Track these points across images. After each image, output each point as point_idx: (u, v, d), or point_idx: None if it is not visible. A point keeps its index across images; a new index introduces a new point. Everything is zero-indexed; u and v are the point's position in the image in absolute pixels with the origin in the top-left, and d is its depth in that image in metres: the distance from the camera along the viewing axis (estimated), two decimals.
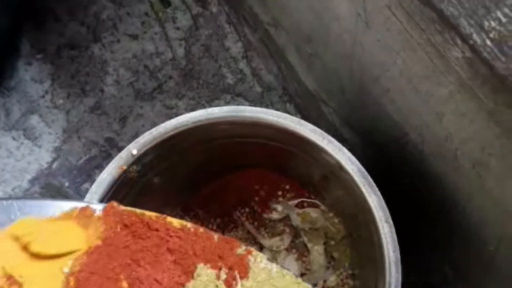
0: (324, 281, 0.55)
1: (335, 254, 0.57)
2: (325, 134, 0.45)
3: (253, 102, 0.76)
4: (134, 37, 0.79)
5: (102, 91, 0.76)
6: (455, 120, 0.38)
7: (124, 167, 0.44)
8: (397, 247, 0.42)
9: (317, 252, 0.55)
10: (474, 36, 0.30)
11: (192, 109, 0.77)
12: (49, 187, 0.74)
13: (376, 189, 0.43)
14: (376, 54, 0.43)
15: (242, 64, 0.77)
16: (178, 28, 0.79)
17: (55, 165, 0.74)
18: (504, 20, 0.29)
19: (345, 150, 0.44)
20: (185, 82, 0.77)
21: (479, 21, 0.30)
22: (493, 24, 0.29)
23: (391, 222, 0.42)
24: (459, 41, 0.31)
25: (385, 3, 0.37)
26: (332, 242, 0.57)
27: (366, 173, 0.44)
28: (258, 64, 0.77)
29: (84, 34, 0.79)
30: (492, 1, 0.29)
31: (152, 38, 0.79)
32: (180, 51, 0.78)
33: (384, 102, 0.47)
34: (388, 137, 0.51)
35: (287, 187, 0.60)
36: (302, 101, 0.73)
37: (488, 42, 0.30)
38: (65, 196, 0.74)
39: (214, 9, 0.80)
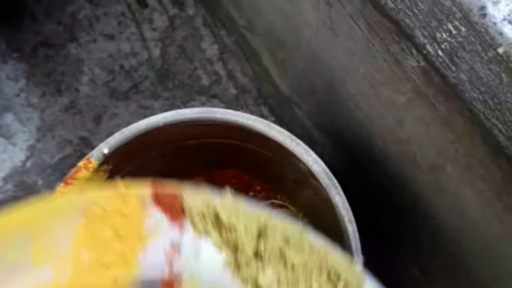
0: None
1: None
2: (293, 137, 0.46)
3: (228, 104, 0.77)
4: (111, 37, 0.80)
5: (77, 90, 0.77)
6: (414, 125, 0.40)
7: (93, 161, 0.45)
8: (359, 246, 0.44)
9: None
10: (428, 46, 0.32)
11: (167, 110, 0.78)
12: (22, 185, 0.74)
13: (340, 190, 0.45)
14: (342, 59, 0.45)
15: (217, 66, 0.78)
16: (154, 29, 0.80)
17: (29, 163, 0.74)
18: (454, 32, 0.31)
19: (312, 153, 0.46)
20: (161, 82, 0.77)
21: (432, 33, 0.32)
22: (444, 35, 0.31)
23: (354, 222, 0.44)
24: (414, 51, 0.33)
25: (348, 12, 0.38)
26: None
27: (331, 174, 0.45)
28: (233, 66, 0.78)
29: (61, 33, 0.80)
30: (444, 14, 0.31)
31: (129, 39, 0.80)
32: (156, 52, 0.79)
33: (350, 106, 0.49)
34: (356, 138, 0.53)
35: (258, 188, 0.61)
36: (276, 104, 0.75)
37: (440, 53, 0.32)
38: (38, 194, 0.74)
39: (190, 11, 0.81)
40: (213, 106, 0.76)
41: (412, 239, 0.56)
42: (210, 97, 0.77)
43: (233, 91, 0.77)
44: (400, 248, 0.61)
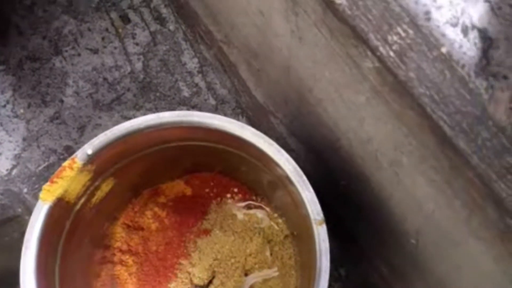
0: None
1: (279, 252, 0.61)
2: (266, 138, 0.49)
3: None
4: (95, 51, 0.83)
5: (61, 101, 0.79)
6: (373, 123, 0.43)
7: (78, 161, 0.48)
8: (327, 238, 0.47)
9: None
10: (381, 48, 0.36)
11: None
12: (8, 193, 0.76)
13: (309, 185, 0.48)
14: (310, 67, 0.48)
15: (197, 79, 0.81)
16: (137, 44, 0.83)
17: (14, 172, 0.76)
18: (403, 34, 0.35)
19: (283, 152, 0.49)
20: (143, 94, 0.80)
21: (384, 36, 0.36)
22: (395, 38, 0.35)
23: (322, 215, 0.47)
24: (369, 53, 0.37)
25: (312, 21, 0.42)
26: (275, 241, 0.62)
27: (301, 172, 0.48)
28: (212, 78, 0.81)
29: (46, 48, 0.82)
30: (394, 18, 0.35)
31: (112, 52, 0.82)
32: (139, 65, 0.82)
33: (319, 111, 0.52)
34: (324, 142, 0.56)
35: (236, 190, 0.64)
36: (254, 114, 0.78)
37: (391, 54, 0.35)
38: (23, 202, 0.76)
39: (171, 27, 0.84)
40: None
41: (378, 236, 0.58)
42: (191, 107, 0.80)
43: (212, 102, 0.80)
44: (368, 247, 0.64)
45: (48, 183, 0.49)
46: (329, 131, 0.53)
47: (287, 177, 0.49)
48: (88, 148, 0.49)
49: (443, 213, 0.42)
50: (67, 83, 0.80)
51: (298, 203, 0.50)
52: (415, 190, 0.44)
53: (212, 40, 0.78)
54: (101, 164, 0.52)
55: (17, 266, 0.78)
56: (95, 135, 0.77)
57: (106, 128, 0.78)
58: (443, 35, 0.34)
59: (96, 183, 0.53)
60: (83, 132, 0.78)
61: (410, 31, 0.35)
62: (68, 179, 0.49)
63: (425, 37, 0.34)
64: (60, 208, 0.50)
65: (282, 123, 0.69)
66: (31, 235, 0.47)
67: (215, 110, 0.80)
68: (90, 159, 0.50)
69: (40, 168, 0.77)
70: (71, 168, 0.49)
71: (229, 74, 0.78)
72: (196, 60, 0.82)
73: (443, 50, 0.34)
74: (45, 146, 0.77)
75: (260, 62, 0.63)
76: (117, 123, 0.75)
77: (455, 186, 0.38)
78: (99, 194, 0.55)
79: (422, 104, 0.35)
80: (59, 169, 0.49)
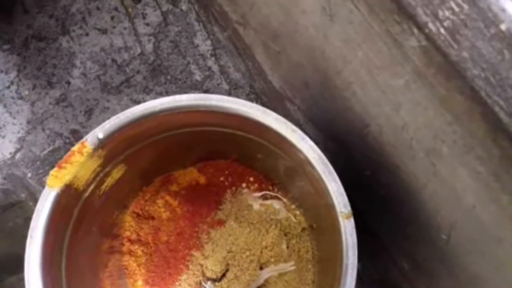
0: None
1: (296, 245, 0.58)
2: (289, 124, 0.46)
3: None
4: (103, 31, 0.79)
5: (68, 83, 0.76)
6: (410, 109, 0.40)
7: (88, 145, 0.45)
8: (354, 232, 0.44)
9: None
10: (430, 25, 0.32)
11: None
12: (11, 177, 0.73)
13: (336, 176, 0.45)
14: (340, 47, 0.45)
15: (210, 62, 0.77)
16: (147, 24, 0.80)
17: (18, 155, 0.73)
18: (457, 9, 0.31)
19: (308, 139, 0.46)
20: (153, 77, 0.77)
21: (434, 11, 0.32)
22: (447, 13, 0.32)
23: (349, 208, 0.44)
24: (415, 30, 0.33)
25: None
26: (293, 233, 0.59)
27: (326, 161, 0.45)
28: (226, 62, 0.77)
29: (53, 27, 0.79)
30: None
31: (121, 33, 0.79)
32: (149, 47, 0.78)
33: (346, 95, 0.49)
34: (349, 129, 0.53)
35: (252, 179, 0.61)
36: (268, 99, 0.74)
37: (442, 31, 0.32)
38: (26, 187, 0.73)
39: (184, 7, 0.81)
40: None
41: (402, 230, 0.56)
42: (203, 92, 0.76)
43: (225, 86, 0.77)
44: (390, 241, 0.61)
45: (55, 169, 0.46)
46: (356, 116, 0.50)
47: (311, 166, 0.46)
48: (99, 132, 0.46)
49: (486, 208, 0.38)
50: (74, 64, 0.77)
51: (321, 194, 0.47)
52: (454, 183, 0.40)
53: (227, 21, 0.74)
54: (112, 149, 0.48)
55: (19, 252, 0.75)
56: (103, 119, 0.75)
57: (115, 111, 0.75)
58: (503, 10, 0.30)
59: (107, 169, 0.50)
60: (91, 115, 0.75)
61: (465, 6, 0.31)
62: (77, 165, 0.46)
63: (481, 12, 0.31)
64: (68, 195, 0.47)
65: (299, 109, 0.66)
66: (37, 223, 0.44)
67: (228, 95, 0.76)
68: (101, 144, 0.47)
69: (45, 152, 0.74)
70: (81, 153, 0.46)
71: (244, 57, 0.75)
72: (209, 42, 0.79)
73: (502, 27, 0.30)
74: (50, 129, 0.74)
75: (281, 43, 0.60)
76: (126, 106, 0.74)
77: (504, 179, 0.34)
78: (109, 181, 0.52)
79: (476, 87, 0.31)
80: (68, 153, 0.46)
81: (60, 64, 0.77)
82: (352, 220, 0.43)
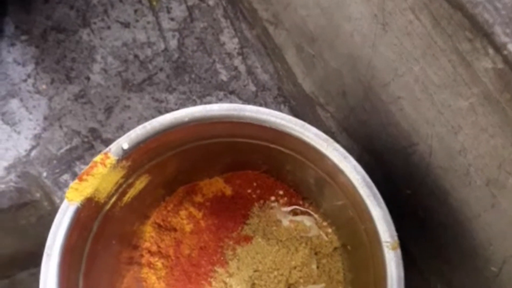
0: None
1: (326, 265, 0.55)
2: (331, 141, 0.42)
3: (247, 101, 0.73)
4: (126, 25, 0.76)
5: (88, 78, 0.72)
6: (472, 134, 0.36)
7: (111, 156, 0.41)
8: (401, 264, 0.40)
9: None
10: (509, 46, 0.28)
11: (182, 104, 0.74)
12: (26, 176, 0.70)
13: (381, 201, 0.41)
14: (390, 59, 0.41)
15: (237, 61, 0.74)
16: (172, 19, 0.76)
17: (33, 153, 0.70)
18: None
19: (351, 159, 0.42)
20: (177, 75, 0.73)
21: None
22: None
23: (396, 237, 0.40)
24: (491, 51, 0.29)
25: (408, 5, 0.34)
26: (324, 253, 0.55)
27: (371, 183, 0.41)
28: (253, 62, 0.74)
29: (73, 18, 0.76)
30: None
31: (145, 27, 0.75)
32: (173, 43, 0.75)
33: (391, 109, 0.45)
34: (391, 145, 0.49)
35: (281, 192, 0.57)
36: (298, 103, 0.71)
37: None
38: (41, 187, 0.70)
39: (211, 2, 0.77)
40: (231, 102, 0.72)
41: (441, 253, 0.52)
42: (228, 93, 0.73)
43: (252, 87, 0.73)
44: (425, 260, 0.57)
45: (76, 181, 0.42)
46: (401, 133, 0.46)
47: (353, 188, 0.42)
48: (124, 142, 0.42)
49: None
50: (95, 59, 0.73)
51: (362, 219, 0.43)
52: None
53: (256, 19, 0.71)
54: (137, 160, 0.45)
55: (30, 249, 0.72)
56: (123, 118, 0.72)
57: (136, 110, 0.72)
58: None
59: (130, 180, 0.47)
60: (110, 113, 0.72)
61: None
62: (100, 177, 0.43)
63: None
64: (88, 209, 0.44)
65: (332, 117, 0.62)
66: (54, 241, 0.41)
67: (255, 97, 0.73)
68: (126, 154, 0.44)
69: (62, 150, 0.70)
70: (104, 165, 0.42)
71: (273, 58, 0.72)
72: (236, 40, 0.75)
73: None
74: (68, 127, 0.71)
75: (317, 47, 0.56)
76: (147, 105, 0.72)
77: None
78: (132, 192, 0.49)
79: None
80: (90, 165, 0.43)
81: (79, 58, 0.74)
82: (399, 251, 0.40)
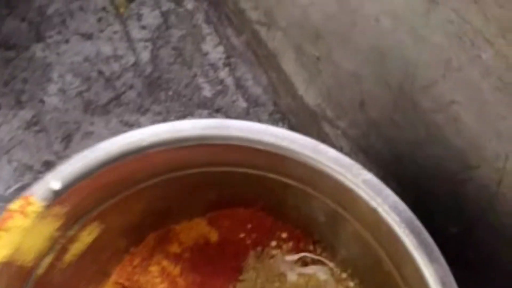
0: None
1: None
2: (357, 166, 0.31)
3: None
4: (88, 36, 0.72)
5: (42, 102, 0.68)
6: None
7: (36, 201, 0.29)
8: None
9: None
10: None
11: None
12: None
13: (439, 253, 0.29)
14: (440, 45, 0.30)
15: (223, 73, 0.70)
16: (143, 27, 0.73)
17: None
18: None
19: (389, 191, 0.30)
20: (150, 93, 0.69)
21: None
22: None
23: None
24: None
25: None
26: None
27: (422, 229, 0.29)
28: (243, 73, 0.70)
29: (25, 32, 0.72)
30: None
31: (110, 38, 0.72)
32: (145, 55, 0.71)
33: (439, 120, 0.35)
34: (433, 170, 0.41)
35: (284, 235, 0.48)
36: (298, 120, 0.64)
37: None
38: None
39: (189, 5, 0.74)
40: None
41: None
42: (214, 111, 0.68)
43: (242, 104, 0.68)
44: None
45: None
46: (452, 152, 0.37)
47: (393, 235, 0.30)
48: (54, 180, 0.31)
49: None
50: (51, 78, 0.69)
51: (405, 276, 0.32)
52: None
53: (244, 21, 0.68)
54: (78, 204, 0.34)
55: None
56: (85, 147, 0.63)
57: (100, 137, 0.65)
58: None
59: (70, 233, 0.36)
60: (69, 142, 0.66)
61: None
62: (20, 232, 0.31)
63: None
64: (8, 276, 0.32)
65: (344, 134, 0.56)
66: None
67: (246, 114, 0.69)
68: (59, 198, 0.32)
69: (10, 190, 0.63)
70: (24, 214, 0.30)
71: (266, 67, 0.66)
72: (221, 48, 0.71)
73: None
74: (18, 161, 0.65)
75: (323, 46, 0.51)
76: (115, 131, 0.67)
77: None
78: (77, 248, 0.38)
79: None
80: (3, 215, 0.31)
81: (32, 78, 0.69)
82: None
